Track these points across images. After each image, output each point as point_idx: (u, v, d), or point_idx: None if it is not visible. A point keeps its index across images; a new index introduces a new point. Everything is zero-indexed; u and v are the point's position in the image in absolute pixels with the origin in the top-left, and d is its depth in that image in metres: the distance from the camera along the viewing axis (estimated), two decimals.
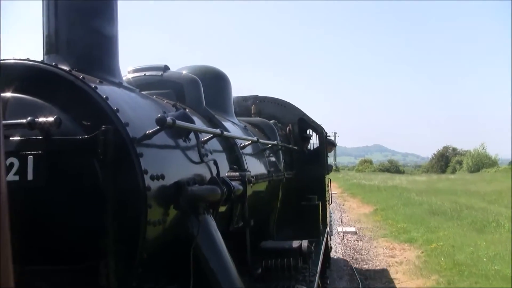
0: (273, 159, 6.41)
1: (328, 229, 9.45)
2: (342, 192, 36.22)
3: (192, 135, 3.16)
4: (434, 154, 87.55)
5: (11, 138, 2.16)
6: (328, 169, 9.70)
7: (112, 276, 2.13)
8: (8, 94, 2.28)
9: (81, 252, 2.19)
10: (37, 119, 2.11)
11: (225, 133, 3.72)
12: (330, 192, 10.34)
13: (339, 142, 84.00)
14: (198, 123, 3.59)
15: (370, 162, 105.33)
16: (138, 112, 2.64)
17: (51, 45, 2.77)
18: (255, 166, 5.03)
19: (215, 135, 3.54)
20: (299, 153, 8.57)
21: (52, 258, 2.20)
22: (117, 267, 2.14)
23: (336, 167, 77.93)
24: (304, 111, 8.93)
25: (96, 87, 2.34)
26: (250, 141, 4.93)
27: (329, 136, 10.47)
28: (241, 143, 4.60)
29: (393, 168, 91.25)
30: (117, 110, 2.30)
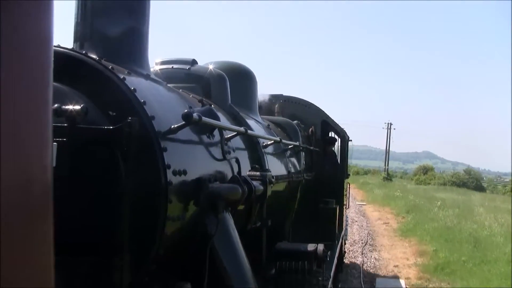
0: (293, 159, 6.35)
1: (343, 233, 9.40)
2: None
3: (216, 132, 3.13)
4: None
5: None
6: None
7: (126, 271, 2.10)
8: None
9: (97, 244, 2.16)
10: (64, 107, 2.09)
11: (249, 131, 3.68)
12: (348, 196, 10.36)
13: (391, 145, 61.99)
14: (223, 120, 3.56)
15: (432, 169, 74.16)
16: (164, 106, 2.62)
17: (82, 33, 2.76)
18: (276, 166, 4.98)
19: (239, 133, 3.51)
20: (320, 155, 8.50)
21: (65, 248, 2.18)
22: (132, 262, 2.12)
23: (388, 174, 59.40)
24: (328, 114, 8.86)
25: (124, 78, 2.33)
26: (273, 141, 4.89)
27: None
28: (263, 142, 4.56)
29: (471, 181, 61.70)
30: (144, 103, 2.28)
